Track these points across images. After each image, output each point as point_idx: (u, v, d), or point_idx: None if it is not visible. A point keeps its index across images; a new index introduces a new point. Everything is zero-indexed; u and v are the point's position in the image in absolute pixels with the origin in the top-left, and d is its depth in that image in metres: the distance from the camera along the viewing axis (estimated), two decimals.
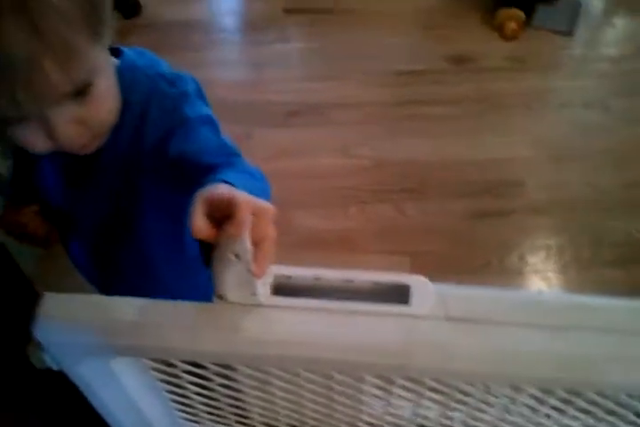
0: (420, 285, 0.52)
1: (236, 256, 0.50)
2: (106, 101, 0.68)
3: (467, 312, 0.48)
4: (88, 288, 1.05)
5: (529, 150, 1.91)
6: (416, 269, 1.68)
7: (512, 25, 2.17)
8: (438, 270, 1.68)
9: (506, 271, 1.68)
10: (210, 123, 0.76)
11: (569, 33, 2.23)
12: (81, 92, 0.63)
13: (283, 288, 0.55)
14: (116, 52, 0.70)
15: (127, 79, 0.73)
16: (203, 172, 0.68)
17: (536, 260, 1.70)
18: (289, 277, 0.55)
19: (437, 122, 2.00)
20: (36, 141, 0.65)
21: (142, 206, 0.81)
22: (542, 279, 1.67)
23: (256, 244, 0.51)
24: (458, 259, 1.70)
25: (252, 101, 2.05)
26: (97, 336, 0.53)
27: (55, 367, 0.60)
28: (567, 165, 1.88)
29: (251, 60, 2.32)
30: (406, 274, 0.53)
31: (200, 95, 0.77)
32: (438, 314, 0.48)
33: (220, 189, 0.53)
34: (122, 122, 0.73)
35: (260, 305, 0.53)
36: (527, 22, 2.21)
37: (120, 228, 0.84)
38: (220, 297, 0.53)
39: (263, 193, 0.63)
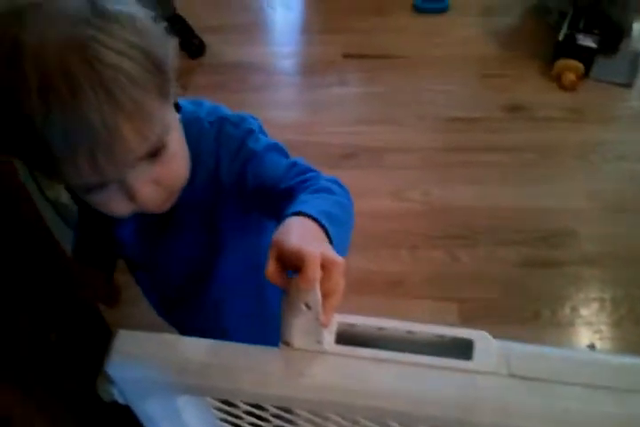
0: (482, 340, 0.53)
1: (307, 306, 0.52)
2: (178, 158, 0.70)
3: (530, 370, 0.49)
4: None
5: (583, 201, 1.90)
6: (464, 316, 1.67)
7: (570, 76, 2.18)
8: (487, 319, 1.67)
9: (557, 323, 1.66)
10: (276, 149, 0.80)
11: (628, 85, 2.23)
12: (156, 152, 0.65)
13: (346, 336, 0.56)
14: (176, 107, 0.72)
15: (194, 131, 0.76)
16: (281, 198, 0.72)
17: (589, 312, 1.68)
18: (352, 326, 0.57)
19: (491, 169, 2.00)
20: (117, 206, 0.68)
21: (223, 252, 0.83)
22: (595, 332, 1.64)
23: (325, 295, 0.53)
24: (508, 308, 1.69)
25: (307, 142, 2.09)
26: (167, 375, 0.55)
27: (122, 401, 0.62)
28: (622, 217, 1.86)
29: (308, 102, 2.37)
30: (469, 329, 0.54)
31: (262, 131, 0.81)
32: (501, 371, 0.49)
33: (292, 239, 0.55)
34: (195, 173, 0.75)
35: (324, 353, 0.54)
36: (586, 73, 2.22)
37: (199, 276, 0.86)
38: (287, 343, 0.55)
39: (340, 207, 0.69)
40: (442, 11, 2.57)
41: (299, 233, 0.58)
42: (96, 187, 0.64)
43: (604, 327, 1.65)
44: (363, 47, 2.39)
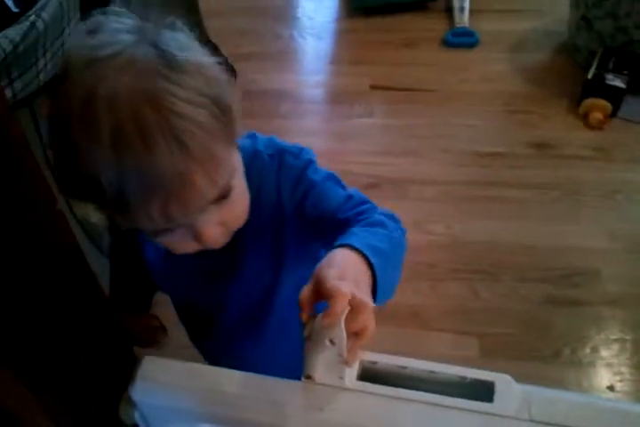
0: (504, 383, 0.53)
1: (331, 342, 0.53)
2: (241, 197, 0.71)
3: (550, 416, 0.49)
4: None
5: (606, 241, 1.89)
6: (484, 351, 1.66)
7: (598, 115, 2.19)
8: (506, 355, 1.66)
9: (578, 363, 1.64)
10: (334, 179, 0.83)
11: None
12: (224, 195, 0.66)
13: (368, 373, 0.57)
14: None
15: (256, 165, 0.78)
16: (336, 228, 0.75)
17: (609, 353, 1.66)
18: (374, 363, 0.57)
19: (514, 205, 2.01)
20: (183, 246, 0.70)
21: (284, 284, 0.86)
22: (615, 374, 1.62)
23: (353, 335, 0.54)
24: (528, 345, 1.68)
25: (332, 171, 2.10)
26: (189, 403, 0.56)
27: (142, 426, 0.63)
28: None
29: (335, 131, 2.39)
30: (491, 372, 0.54)
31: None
32: (522, 415, 0.49)
33: (331, 273, 0.59)
34: (259, 205, 0.78)
35: (345, 389, 0.55)
36: (613, 113, 2.22)
37: (257, 308, 0.88)
38: (308, 377, 0.55)
39: (390, 241, 0.72)
40: (471, 45, 2.60)
41: (340, 267, 0.61)
42: (165, 231, 0.66)
43: (624, 369, 1.63)
44: (390, 79, 2.42)
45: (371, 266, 0.64)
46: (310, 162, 0.81)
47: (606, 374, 1.62)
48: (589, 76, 2.22)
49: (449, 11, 2.74)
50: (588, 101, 2.21)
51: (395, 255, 0.72)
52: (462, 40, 2.60)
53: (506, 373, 1.64)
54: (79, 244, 0.70)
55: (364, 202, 0.81)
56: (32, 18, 1.08)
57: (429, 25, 2.70)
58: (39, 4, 1.11)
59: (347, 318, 0.53)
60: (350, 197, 0.81)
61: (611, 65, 2.25)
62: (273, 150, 0.81)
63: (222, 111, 0.62)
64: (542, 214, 1.98)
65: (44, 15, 1.09)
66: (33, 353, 0.62)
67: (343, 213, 0.79)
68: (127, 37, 0.60)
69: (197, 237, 0.67)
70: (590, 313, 1.74)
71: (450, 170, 2.13)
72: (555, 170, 2.11)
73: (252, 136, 0.83)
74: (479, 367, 1.66)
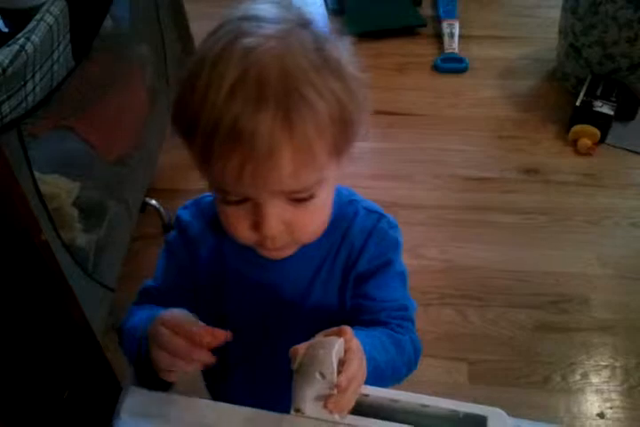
0: (496, 417, 0.52)
1: (322, 375, 0.52)
2: (319, 214, 0.70)
3: None
4: None
5: (596, 267, 1.89)
6: (473, 377, 1.65)
7: (586, 141, 2.20)
8: (496, 381, 1.65)
9: (567, 389, 1.63)
10: (404, 277, 0.84)
11: None
12: (302, 199, 0.65)
13: (359, 406, 0.56)
14: None
15: (349, 212, 0.80)
16: (372, 320, 0.79)
17: (599, 380, 1.65)
18: (366, 396, 0.56)
19: (505, 230, 2.01)
20: (241, 227, 0.68)
21: (302, 313, 0.85)
22: (605, 400, 1.61)
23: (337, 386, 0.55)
24: (517, 371, 1.67)
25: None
26: None
27: None
28: (635, 285, 1.84)
29: None
30: (484, 405, 0.53)
31: None
32: None
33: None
34: (338, 250, 0.80)
35: (335, 422, 0.54)
36: (602, 140, 2.24)
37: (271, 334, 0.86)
38: (298, 410, 0.54)
39: (394, 370, 0.74)
40: (461, 71, 2.62)
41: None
42: (234, 200, 0.66)
43: (614, 396, 1.62)
44: (381, 104, 2.42)
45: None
46: (398, 244, 0.83)
47: (596, 401, 1.61)
48: (578, 103, 2.24)
49: (439, 37, 2.76)
50: (577, 128, 2.23)
51: (388, 379, 0.73)
52: (452, 66, 2.62)
53: (495, 399, 1.64)
54: (65, 274, 0.69)
55: (409, 319, 0.83)
56: (21, 41, 1.07)
57: (420, 50, 2.72)
58: (29, 27, 1.11)
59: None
60: (405, 307, 0.83)
61: (599, 92, 2.27)
62: (371, 207, 0.82)
63: (343, 120, 0.62)
64: (532, 240, 1.98)
65: (34, 38, 1.09)
66: (15, 386, 0.60)
67: (387, 316, 0.80)
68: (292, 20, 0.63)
69: (258, 222, 0.66)
70: (580, 339, 1.73)
71: (440, 195, 2.13)
72: (544, 195, 2.12)
73: (347, 189, 0.84)
74: (469, 394, 1.66)
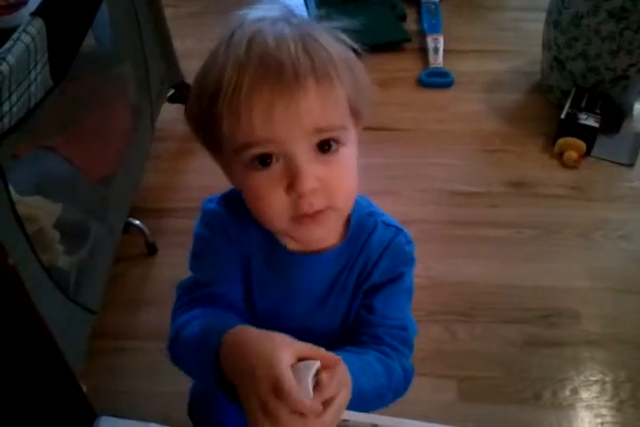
0: None
1: None
2: (348, 172, 0.72)
3: None
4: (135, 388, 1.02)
5: (584, 281, 1.88)
6: (463, 394, 1.63)
7: (572, 154, 2.20)
8: (486, 398, 1.63)
9: (558, 405, 1.61)
10: (410, 297, 0.86)
11: (630, 164, 2.24)
12: (329, 148, 0.68)
13: None
14: None
15: (370, 222, 0.83)
16: (369, 335, 0.81)
17: (590, 395, 1.63)
18: (346, 421, 0.55)
19: (492, 245, 2.00)
20: (273, 194, 0.68)
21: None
22: (595, 416, 1.60)
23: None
24: (507, 387, 1.65)
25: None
26: None
27: None
28: (625, 298, 1.83)
29: None
30: None
31: None
32: None
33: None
34: (356, 260, 0.81)
35: None
36: (588, 152, 2.24)
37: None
38: None
39: (379, 399, 0.78)
40: (446, 86, 2.62)
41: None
42: (260, 161, 0.66)
43: (605, 411, 1.61)
44: (368, 119, 2.41)
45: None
46: (413, 259, 0.85)
47: (587, 417, 1.60)
48: (563, 116, 2.25)
49: (424, 51, 2.76)
50: (563, 141, 2.23)
51: (372, 405, 0.76)
52: (437, 80, 2.62)
53: (486, 417, 1.62)
54: (33, 299, 0.67)
55: (407, 343, 0.83)
56: None
57: (404, 65, 2.72)
58: (5, 47, 1.10)
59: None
60: (405, 327, 0.84)
61: (583, 104, 2.27)
62: (389, 222, 0.85)
63: (352, 71, 0.71)
64: (520, 254, 1.97)
65: (10, 58, 1.08)
66: None
67: (387, 333, 0.81)
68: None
69: (293, 177, 0.66)
70: (570, 354, 1.72)
71: (427, 209, 2.12)
72: (531, 209, 2.11)
73: (365, 198, 0.88)
74: (459, 412, 1.64)
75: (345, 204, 0.74)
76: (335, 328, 0.87)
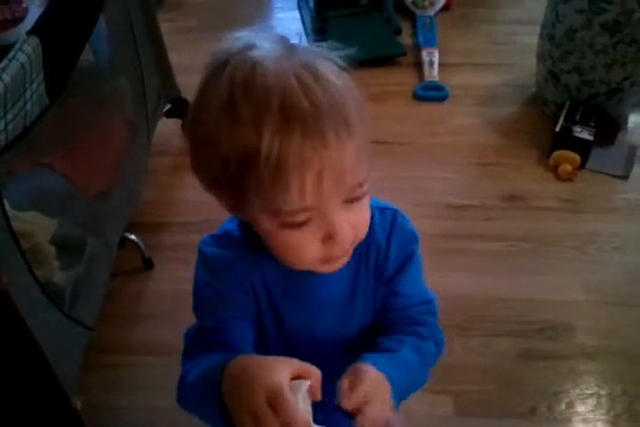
0: None
1: None
2: (367, 211, 0.74)
3: None
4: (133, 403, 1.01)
5: (579, 294, 1.88)
6: (460, 409, 1.63)
7: (567, 167, 2.21)
8: (482, 412, 1.63)
9: (553, 419, 1.61)
10: (421, 265, 0.90)
11: (624, 177, 2.25)
12: (357, 198, 0.69)
13: None
14: None
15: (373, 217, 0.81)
16: (399, 318, 0.85)
17: (585, 408, 1.63)
18: None
19: (487, 258, 2.00)
20: (308, 247, 0.69)
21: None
22: None
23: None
24: (503, 401, 1.65)
25: None
26: None
27: None
28: (620, 311, 1.84)
29: None
30: None
31: None
32: None
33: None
34: (368, 250, 0.82)
35: None
36: (582, 165, 2.25)
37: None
38: None
39: (413, 382, 0.82)
40: (441, 99, 2.63)
41: (378, 383, 0.70)
42: (299, 223, 0.67)
43: (600, 425, 1.61)
44: None
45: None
46: (417, 236, 0.88)
47: None
48: (557, 129, 2.26)
49: (419, 65, 2.78)
50: (558, 153, 2.24)
51: (413, 387, 0.82)
52: (432, 94, 2.63)
53: None
54: (26, 319, 0.67)
55: (434, 313, 0.90)
56: None
57: (399, 79, 2.73)
58: (1, 65, 1.11)
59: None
60: (429, 300, 0.90)
61: (578, 117, 2.29)
62: (383, 206, 0.86)
63: (362, 112, 0.68)
64: (515, 267, 1.98)
65: (5, 77, 1.09)
66: None
67: (412, 310, 0.87)
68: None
69: (331, 233, 0.67)
70: (565, 367, 1.72)
71: (422, 223, 2.07)
72: (526, 221, 2.12)
73: None
74: (455, 426, 1.63)
75: (365, 234, 0.76)
76: (369, 323, 0.90)
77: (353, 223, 0.70)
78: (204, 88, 0.67)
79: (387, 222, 0.85)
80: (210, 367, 0.69)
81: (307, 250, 0.69)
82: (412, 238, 0.87)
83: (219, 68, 0.65)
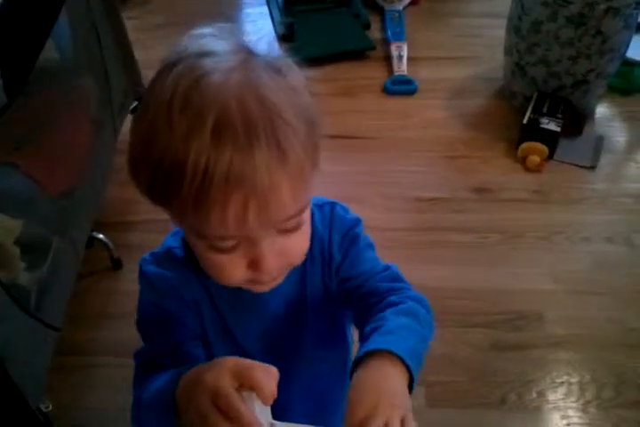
0: None
1: None
2: (306, 232, 0.71)
3: None
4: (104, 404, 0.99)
5: (548, 283, 1.90)
6: (431, 400, 1.64)
7: (535, 158, 2.23)
8: (453, 403, 1.64)
9: (524, 408, 1.63)
10: (373, 247, 0.87)
11: (592, 167, 2.27)
12: (292, 228, 0.66)
13: None
14: None
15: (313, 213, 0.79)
16: (368, 295, 0.81)
17: (556, 397, 1.65)
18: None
19: (457, 250, 2.01)
20: (233, 272, 0.67)
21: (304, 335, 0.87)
22: (562, 418, 1.61)
23: None
24: (474, 392, 1.66)
25: None
26: None
27: None
28: (588, 300, 1.86)
29: None
30: None
31: None
32: None
33: (366, 400, 0.65)
34: (312, 256, 0.80)
35: None
36: (550, 156, 2.26)
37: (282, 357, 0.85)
38: None
39: (422, 342, 0.77)
40: (411, 93, 2.64)
41: (375, 391, 0.66)
42: (226, 248, 0.64)
43: (571, 412, 1.62)
44: (331, 128, 2.40)
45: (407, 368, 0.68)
46: (359, 220, 0.85)
47: (554, 419, 1.62)
48: (525, 121, 2.27)
49: (388, 59, 2.78)
50: (525, 145, 2.26)
51: (424, 353, 0.76)
52: (401, 88, 2.64)
53: (453, 422, 1.62)
54: None
55: (399, 279, 0.85)
56: None
57: (369, 73, 2.74)
58: None
59: None
60: (387, 268, 0.86)
61: (545, 109, 2.30)
62: (322, 202, 0.83)
63: (315, 133, 0.62)
64: (484, 258, 1.99)
65: None
66: None
67: (375, 281, 0.83)
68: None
69: (256, 261, 0.65)
70: (535, 356, 1.74)
71: (392, 216, 2.13)
72: (496, 213, 2.13)
73: None
74: (427, 418, 1.64)
75: (301, 259, 0.73)
76: (326, 317, 0.88)
77: (288, 250, 0.68)
78: (151, 86, 0.64)
79: (326, 217, 0.83)
80: (165, 382, 0.69)
81: (234, 273, 0.67)
82: (353, 223, 0.85)
83: (167, 68, 0.62)
